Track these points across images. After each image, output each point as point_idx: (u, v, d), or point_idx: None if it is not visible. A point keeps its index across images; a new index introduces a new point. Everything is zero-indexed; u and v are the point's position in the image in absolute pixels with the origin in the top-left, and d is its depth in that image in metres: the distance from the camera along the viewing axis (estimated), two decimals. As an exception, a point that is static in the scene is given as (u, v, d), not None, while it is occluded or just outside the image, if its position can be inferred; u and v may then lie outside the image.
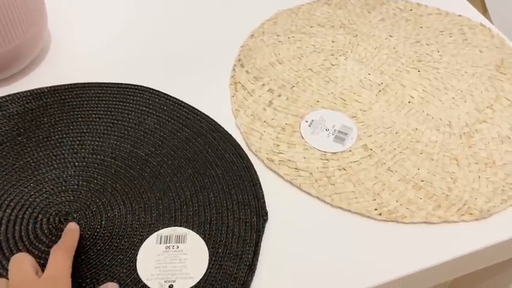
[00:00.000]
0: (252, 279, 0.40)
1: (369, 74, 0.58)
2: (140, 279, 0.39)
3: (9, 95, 0.52)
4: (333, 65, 0.59)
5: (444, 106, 0.54)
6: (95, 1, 0.67)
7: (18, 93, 0.53)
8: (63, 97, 0.53)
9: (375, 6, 0.67)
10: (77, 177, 0.46)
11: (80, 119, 0.51)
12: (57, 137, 0.49)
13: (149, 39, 0.62)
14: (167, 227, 0.43)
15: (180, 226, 0.43)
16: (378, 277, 0.41)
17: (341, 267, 0.41)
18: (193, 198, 0.45)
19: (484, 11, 0.95)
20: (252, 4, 0.67)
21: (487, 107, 0.55)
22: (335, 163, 0.48)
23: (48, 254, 0.40)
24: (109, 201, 0.44)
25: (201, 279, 0.39)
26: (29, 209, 0.43)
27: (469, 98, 0.56)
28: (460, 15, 0.66)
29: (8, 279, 0.35)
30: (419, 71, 0.58)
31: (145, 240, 0.42)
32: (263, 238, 0.43)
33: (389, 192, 0.46)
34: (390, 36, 0.63)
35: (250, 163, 0.48)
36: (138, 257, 0.41)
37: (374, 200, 0.45)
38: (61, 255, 0.37)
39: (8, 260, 0.40)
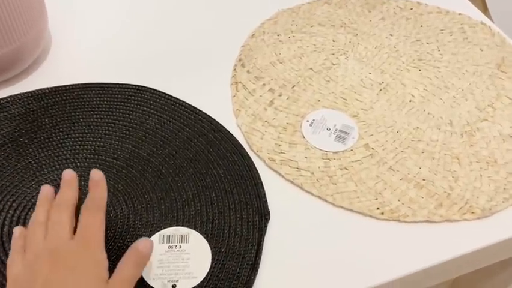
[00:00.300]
0: (254, 278, 0.40)
1: (369, 73, 0.58)
2: (143, 279, 0.39)
3: (10, 96, 0.52)
4: (333, 65, 0.59)
5: (445, 105, 0.55)
6: (95, 1, 0.68)
7: (19, 94, 0.53)
8: (64, 98, 0.53)
9: (376, 5, 0.67)
10: (79, 178, 0.46)
11: (81, 120, 0.51)
12: (58, 137, 0.49)
13: (150, 39, 0.62)
14: (169, 226, 0.43)
15: (182, 226, 0.43)
16: (381, 276, 0.41)
17: (343, 266, 0.41)
18: (195, 198, 0.45)
19: (484, 9, 0.95)
20: (252, 4, 0.67)
21: (488, 105, 0.55)
22: (336, 162, 0.48)
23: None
24: (111, 201, 0.44)
25: (204, 278, 0.39)
26: (32, 210, 0.43)
27: (469, 96, 0.56)
28: (460, 14, 0.66)
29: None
30: (419, 70, 0.58)
31: (147, 240, 0.42)
32: (265, 237, 0.43)
33: (391, 192, 0.46)
34: (391, 35, 0.63)
35: (252, 163, 0.48)
36: (141, 257, 0.41)
37: (376, 199, 0.45)
38: (91, 216, 0.36)
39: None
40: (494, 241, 0.43)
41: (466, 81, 0.57)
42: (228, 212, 0.44)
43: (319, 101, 0.54)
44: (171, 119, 0.51)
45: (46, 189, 0.39)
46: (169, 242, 0.42)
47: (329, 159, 0.48)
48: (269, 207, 0.45)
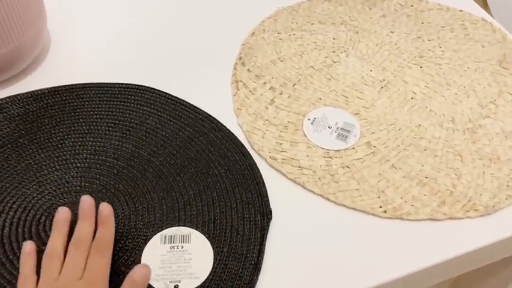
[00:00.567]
0: (257, 278, 0.40)
1: (371, 71, 0.57)
2: (145, 280, 0.39)
3: (9, 97, 0.52)
4: (334, 62, 0.58)
5: (447, 102, 0.54)
6: (95, 0, 0.67)
7: (18, 94, 0.52)
8: (64, 98, 0.53)
9: (376, 3, 0.67)
10: (79, 178, 0.45)
11: (81, 120, 0.51)
12: (58, 138, 0.49)
13: (149, 38, 0.62)
14: (171, 226, 0.42)
15: (184, 226, 0.43)
16: (384, 275, 0.41)
17: (345, 265, 0.41)
18: (196, 198, 0.45)
19: (485, 5, 0.95)
20: (252, 2, 0.67)
21: (490, 102, 0.54)
22: (338, 161, 0.48)
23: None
24: (111, 202, 0.44)
25: (206, 279, 0.39)
26: (32, 211, 0.43)
27: (471, 93, 0.55)
28: (461, 10, 0.66)
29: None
30: (421, 67, 0.58)
31: (149, 241, 0.41)
32: (267, 237, 0.43)
33: (394, 190, 0.46)
34: (392, 32, 0.62)
35: (253, 162, 0.47)
36: (143, 258, 0.40)
37: (379, 197, 0.45)
38: (99, 257, 0.37)
39: (11, 263, 0.40)
40: (498, 239, 0.43)
41: (468, 78, 0.57)
42: (230, 211, 0.44)
43: (320, 99, 0.54)
44: (172, 119, 0.51)
45: (63, 215, 0.40)
46: (170, 242, 0.41)
47: (330, 157, 0.48)
48: (271, 207, 0.44)
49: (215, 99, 0.54)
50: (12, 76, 0.55)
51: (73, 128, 0.50)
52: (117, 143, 0.49)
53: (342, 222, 0.44)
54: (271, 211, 0.44)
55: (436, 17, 0.65)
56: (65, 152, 0.48)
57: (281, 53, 0.59)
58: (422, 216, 0.44)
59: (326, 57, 0.59)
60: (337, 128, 0.51)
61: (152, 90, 0.54)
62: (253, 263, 0.40)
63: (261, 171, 0.47)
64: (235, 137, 0.50)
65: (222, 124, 0.51)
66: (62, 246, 0.38)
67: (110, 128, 0.50)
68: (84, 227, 0.39)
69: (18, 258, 0.40)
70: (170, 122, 0.51)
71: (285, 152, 0.48)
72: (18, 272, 0.37)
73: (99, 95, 0.53)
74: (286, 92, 0.54)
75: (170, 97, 0.53)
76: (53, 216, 0.42)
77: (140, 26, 0.63)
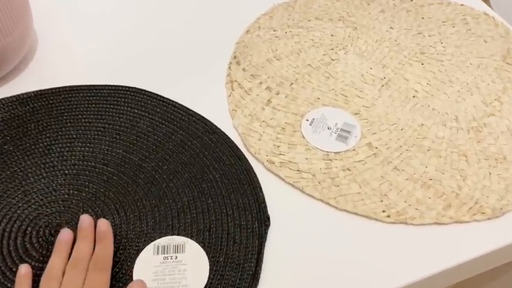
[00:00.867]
0: (255, 289, 0.38)
1: (371, 68, 0.55)
2: (137, 293, 0.37)
3: (-6, 101, 0.50)
4: (333, 60, 0.56)
5: (450, 100, 0.52)
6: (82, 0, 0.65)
7: (3, 98, 0.50)
8: (51, 101, 0.50)
9: (374, -2, 0.65)
10: (67, 186, 0.43)
11: (69, 124, 0.48)
12: (45, 143, 0.47)
13: (140, 37, 0.60)
14: (164, 236, 0.41)
15: (178, 235, 0.41)
16: (389, 284, 0.39)
17: (348, 273, 0.39)
18: (190, 205, 0.43)
19: (484, -1, 0.93)
20: (246, -2, 0.65)
21: (495, 99, 0.52)
22: (338, 163, 0.46)
23: (39, 269, 0.38)
24: (101, 210, 0.42)
25: (201, 291, 0.37)
26: (17, 222, 0.41)
27: (475, 90, 0.53)
28: (462, 5, 0.64)
29: None
30: (422, 64, 0.56)
31: (141, 251, 0.39)
32: (266, 245, 0.41)
33: (397, 193, 0.44)
34: (391, 28, 0.60)
35: (250, 165, 0.46)
36: (135, 270, 0.39)
37: (381, 201, 0.43)
38: (97, 276, 0.36)
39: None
40: (506, 243, 0.41)
41: (471, 74, 0.55)
42: (226, 218, 0.42)
43: (319, 98, 0.52)
44: (164, 122, 0.49)
45: (65, 236, 0.39)
46: (164, 253, 0.39)
47: (330, 160, 0.46)
48: (269, 213, 0.42)
49: (209, 101, 0.52)
50: (-3, 79, 0.53)
51: (60, 133, 0.48)
52: (107, 148, 0.47)
53: (343, 228, 0.42)
54: (269, 217, 0.42)
55: (437, 11, 0.63)
56: (52, 159, 0.45)
57: (277, 51, 0.57)
58: (427, 221, 0.42)
59: (323, 54, 0.57)
60: (337, 129, 0.49)
61: (143, 92, 0.52)
62: (251, 273, 0.38)
63: (257, 176, 0.45)
64: (231, 139, 0.48)
65: (216, 126, 0.49)
66: (61, 267, 0.37)
67: (100, 133, 0.48)
68: (82, 247, 0.38)
69: (2, 272, 0.38)
70: (162, 125, 0.49)
71: (283, 154, 0.46)
72: (2, 286, 0.36)
73: (88, 98, 0.51)
74: (283, 91, 0.52)
75: (162, 99, 0.51)
76: (40, 227, 0.40)
77: (131, 25, 0.61)
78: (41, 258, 0.39)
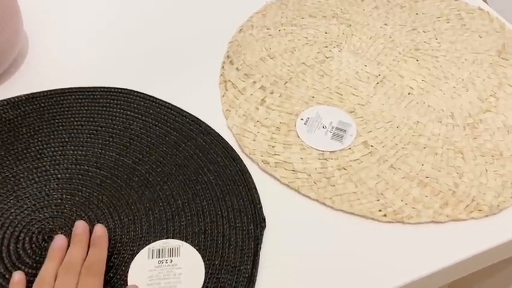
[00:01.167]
0: (252, 292, 0.37)
1: (365, 66, 0.55)
2: (132, 299, 0.36)
3: (-16, 105, 0.49)
4: (327, 58, 0.56)
5: (446, 96, 0.52)
6: (73, 0, 0.64)
7: (-6, 102, 0.49)
8: (42, 105, 0.50)
9: (368, -6, 0.64)
10: (60, 191, 0.43)
11: (61, 128, 0.48)
12: (37, 148, 0.46)
13: (132, 38, 0.59)
14: (159, 239, 0.40)
15: (173, 238, 0.40)
16: (386, 283, 0.38)
17: (345, 274, 0.39)
18: (185, 207, 0.42)
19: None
20: (239, -3, 0.64)
21: (490, 95, 0.52)
22: (334, 163, 0.45)
23: (32, 276, 0.37)
24: (95, 214, 0.41)
25: (197, 295, 0.37)
26: (10, 228, 0.40)
27: (470, 86, 0.53)
28: (456, 0, 0.64)
29: None
30: (417, 60, 0.56)
31: (135, 256, 0.39)
32: (261, 247, 0.40)
33: (393, 191, 0.43)
34: (386, 24, 0.60)
35: (245, 166, 0.45)
36: (129, 274, 0.38)
37: (378, 200, 0.43)
38: (90, 280, 0.36)
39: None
40: (504, 240, 0.41)
41: (466, 70, 0.55)
42: (221, 220, 0.41)
43: (313, 97, 0.51)
44: (157, 123, 0.48)
45: (59, 242, 0.38)
46: (158, 257, 0.39)
47: (326, 159, 0.46)
48: (264, 214, 0.42)
49: (202, 101, 0.51)
50: (-12, 83, 0.52)
51: (52, 137, 0.47)
52: (100, 151, 0.46)
53: (340, 228, 0.42)
54: (264, 219, 0.42)
55: (431, 7, 0.63)
56: (44, 163, 0.45)
57: (271, 50, 0.56)
58: (424, 219, 0.42)
59: (318, 52, 0.56)
60: (332, 128, 0.48)
61: (135, 93, 0.51)
62: (247, 275, 0.38)
63: (252, 176, 0.44)
64: (225, 140, 0.47)
65: (210, 127, 0.48)
66: (53, 273, 0.36)
67: (92, 136, 0.47)
68: (76, 251, 0.37)
69: (-5, 279, 0.37)
70: (155, 127, 0.48)
71: (278, 155, 0.46)
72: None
73: (79, 101, 0.50)
74: (278, 90, 0.52)
75: (154, 100, 0.51)
76: (33, 233, 0.40)
77: (122, 26, 0.61)
78: (35, 265, 0.38)
